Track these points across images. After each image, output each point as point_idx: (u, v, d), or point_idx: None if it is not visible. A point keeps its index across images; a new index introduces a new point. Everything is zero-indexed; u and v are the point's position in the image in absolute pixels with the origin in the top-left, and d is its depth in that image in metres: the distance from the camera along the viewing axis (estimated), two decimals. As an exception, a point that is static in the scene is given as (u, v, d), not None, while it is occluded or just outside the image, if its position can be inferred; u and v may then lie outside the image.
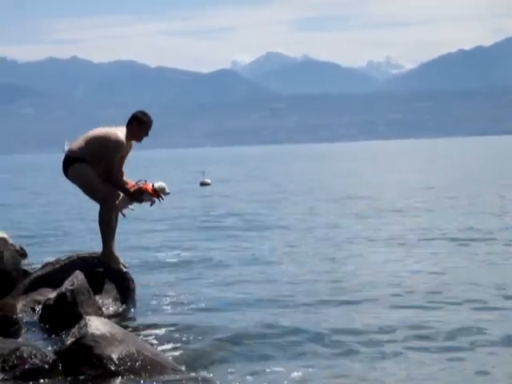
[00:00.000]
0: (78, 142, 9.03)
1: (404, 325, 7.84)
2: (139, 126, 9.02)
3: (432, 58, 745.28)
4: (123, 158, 9.12)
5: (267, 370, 6.51)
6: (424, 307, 8.67)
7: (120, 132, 8.89)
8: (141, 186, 9.09)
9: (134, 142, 9.15)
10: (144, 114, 9.12)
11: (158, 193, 9.10)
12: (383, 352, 6.95)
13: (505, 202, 21.85)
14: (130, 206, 9.32)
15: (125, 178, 9.20)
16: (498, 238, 14.21)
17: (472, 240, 14.03)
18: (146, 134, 9.13)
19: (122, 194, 9.07)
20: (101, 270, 8.88)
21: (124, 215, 9.34)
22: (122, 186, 9.04)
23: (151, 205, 9.26)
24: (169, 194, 9.26)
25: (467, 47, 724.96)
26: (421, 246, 13.51)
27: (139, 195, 9.07)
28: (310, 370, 6.47)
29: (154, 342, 7.38)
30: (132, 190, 9.05)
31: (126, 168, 9.19)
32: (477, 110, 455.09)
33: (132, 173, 9.41)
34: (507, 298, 9.04)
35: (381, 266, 11.54)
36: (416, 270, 11.08)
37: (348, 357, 6.86)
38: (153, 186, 9.12)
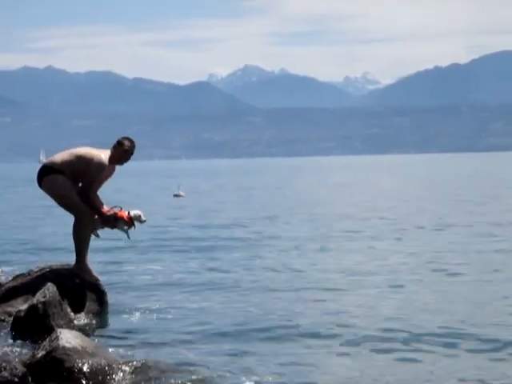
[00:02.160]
0: (61, 156, 9.04)
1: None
2: (122, 151, 9.09)
3: (408, 74, 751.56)
4: (102, 181, 9.12)
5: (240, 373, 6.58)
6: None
7: (104, 155, 8.95)
8: (116, 212, 9.07)
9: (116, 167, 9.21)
10: (129, 140, 9.19)
11: (132, 221, 9.08)
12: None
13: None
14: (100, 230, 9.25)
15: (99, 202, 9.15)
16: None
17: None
18: (127, 160, 9.19)
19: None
20: (76, 281, 8.83)
21: (98, 235, 9.26)
22: (97, 208, 9.01)
23: (128, 236, 9.20)
24: (144, 221, 9.23)
25: (443, 64, 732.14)
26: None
27: (113, 221, 9.05)
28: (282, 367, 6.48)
29: (126, 355, 7.33)
30: (107, 214, 9.03)
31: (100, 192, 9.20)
32: (453, 126, 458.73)
33: (106, 184, 9.39)
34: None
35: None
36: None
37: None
38: (128, 213, 9.10)
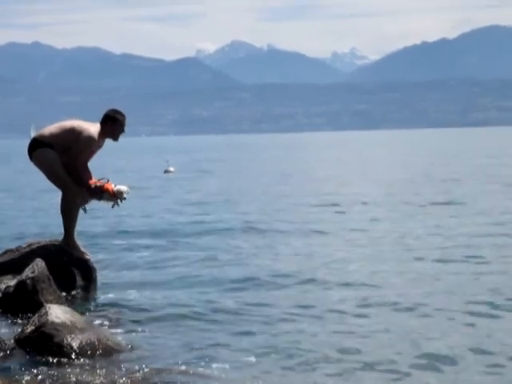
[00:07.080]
0: (51, 129, 9.01)
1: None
2: (113, 124, 9.00)
3: (397, 49, 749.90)
4: (92, 154, 9.07)
5: (222, 356, 6.51)
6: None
7: (94, 128, 8.87)
8: (103, 184, 9.01)
9: (105, 140, 9.08)
10: (116, 111, 9.09)
11: (117, 195, 8.99)
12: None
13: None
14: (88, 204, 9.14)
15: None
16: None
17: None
18: (122, 131, 9.10)
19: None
20: (64, 257, 8.82)
21: (85, 210, 9.19)
22: (83, 180, 8.93)
23: (112, 206, 9.13)
24: (125, 199, 9.05)
25: (431, 39, 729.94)
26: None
27: (99, 193, 8.97)
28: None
29: (115, 330, 7.34)
30: (93, 186, 8.97)
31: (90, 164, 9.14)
32: (441, 101, 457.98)
33: (97, 161, 9.33)
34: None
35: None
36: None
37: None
38: (115, 187, 9.02)
